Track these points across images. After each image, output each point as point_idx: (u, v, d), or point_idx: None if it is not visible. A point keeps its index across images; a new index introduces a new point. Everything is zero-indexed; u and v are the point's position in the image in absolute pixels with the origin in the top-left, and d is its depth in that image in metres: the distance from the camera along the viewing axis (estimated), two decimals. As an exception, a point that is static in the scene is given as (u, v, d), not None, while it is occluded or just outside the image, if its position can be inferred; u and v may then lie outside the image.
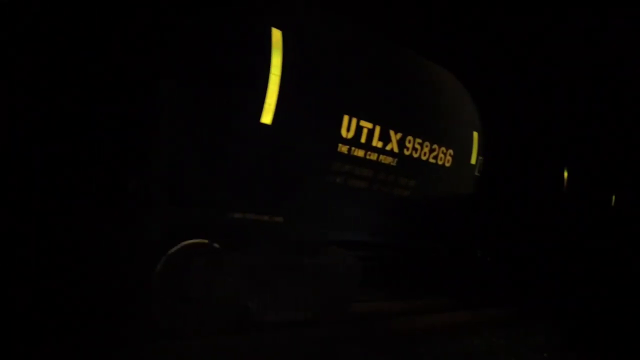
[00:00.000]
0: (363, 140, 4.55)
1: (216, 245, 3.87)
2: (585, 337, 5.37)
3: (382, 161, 4.80)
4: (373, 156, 4.69)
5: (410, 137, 4.99)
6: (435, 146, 5.28)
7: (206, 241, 3.87)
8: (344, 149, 4.40)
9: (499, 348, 4.35)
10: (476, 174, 5.96)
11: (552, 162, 7.42)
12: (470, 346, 4.31)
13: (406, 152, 5.00)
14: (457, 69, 6.24)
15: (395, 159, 4.92)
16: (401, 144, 4.92)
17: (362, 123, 4.50)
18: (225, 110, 3.58)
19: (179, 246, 3.71)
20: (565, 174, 7.48)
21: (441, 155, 5.38)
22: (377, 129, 4.65)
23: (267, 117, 3.73)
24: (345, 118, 4.34)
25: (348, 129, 4.38)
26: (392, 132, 4.80)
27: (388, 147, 4.81)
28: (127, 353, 3.10)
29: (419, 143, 5.10)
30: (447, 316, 5.28)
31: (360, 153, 4.57)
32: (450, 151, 5.48)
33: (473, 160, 5.81)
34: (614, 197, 8.61)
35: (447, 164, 5.48)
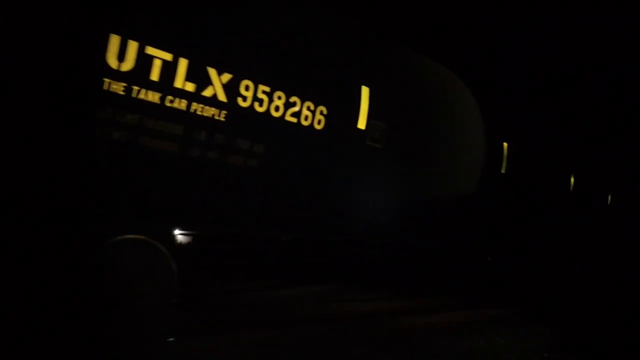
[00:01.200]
0: (155, 77, 3.09)
1: None
2: (585, 337, 5.22)
3: (200, 113, 3.34)
4: (180, 104, 3.24)
5: (247, 83, 3.54)
6: (294, 99, 3.83)
7: None
8: (115, 87, 2.93)
9: (499, 347, 4.31)
10: (372, 143, 4.50)
11: (556, 163, 7.29)
12: (471, 345, 4.26)
13: (243, 104, 3.55)
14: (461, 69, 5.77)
15: (224, 112, 3.46)
16: (232, 90, 3.47)
17: (151, 51, 3.05)
18: None
19: None
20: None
21: (306, 113, 3.93)
22: (182, 64, 3.19)
23: None
24: (114, 38, 2.89)
25: (121, 57, 2.93)
26: (212, 72, 3.35)
27: (207, 93, 3.35)
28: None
29: (264, 92, 3.65)
30: (448, 315, 5.15)
31: (152, 97, 3.11)
32: (322, 109, 4.03)
33: (361, 124, 4.36)
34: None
35: (318, 126, 4.03)
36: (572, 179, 7.39)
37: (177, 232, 3.65)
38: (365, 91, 4.37)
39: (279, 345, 3.58)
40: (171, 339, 3.27)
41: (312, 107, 3.95)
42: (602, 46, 7.84)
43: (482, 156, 5.94)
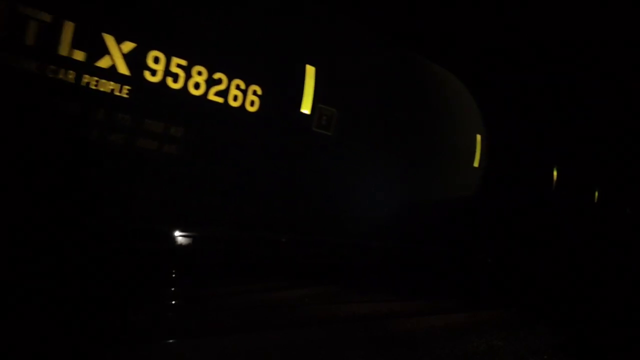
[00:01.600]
0: (29, 41, 2.63)
1: None
2: (585, 340, 5.16)
3: (96, 87, 2.87)
4: (66, 75, 2.77)
5: (156, 54, 3.06)
6: (219, 76, 3.34)
7: None
8: (-24, 51, 2.48)
9: (499, 350, 4.33)
10: (321, 130, 3.99)
11: (555, 165, 7.21)
12: (470, 348, 4.26)
13: (151, 79, 3.07)
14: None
15: (127, 87, 2.98)
16: (135, 61, 3.00)
17: (25, 11, 2.59)
18: None
19: None
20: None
21: (235, 92, 3.44)
22: (68, 28, 2.73)
23: None
24: (-29, -6, 2.44)
25: (-19, 16, 2.48)
26: (108, 39, 2.88)
27: (103, 64, 2.89)
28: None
29: (179, 66, 3.17)
30: (447, 317, 5.06)
31: (30, 65, 2.65)
32: (255, 89, 3.54)
33: (306, 108, 3.86)
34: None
35: (251, 108, 3.54)
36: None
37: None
38: (310, 71, 3.88)
39: (277, 347, 3.55)
40: (171, 341, 3.20)
41: (242, 86, 3.46)
42: (588, 41, 7.35)
43: (473, 154, 5.45)
